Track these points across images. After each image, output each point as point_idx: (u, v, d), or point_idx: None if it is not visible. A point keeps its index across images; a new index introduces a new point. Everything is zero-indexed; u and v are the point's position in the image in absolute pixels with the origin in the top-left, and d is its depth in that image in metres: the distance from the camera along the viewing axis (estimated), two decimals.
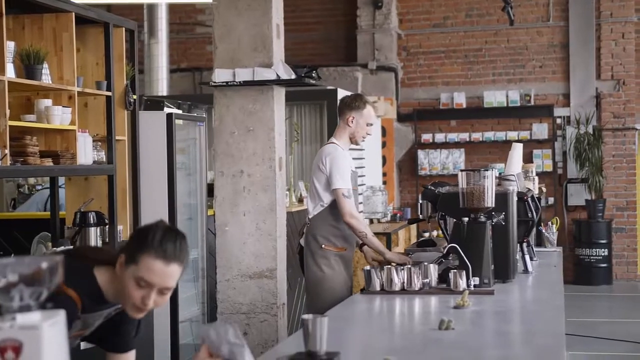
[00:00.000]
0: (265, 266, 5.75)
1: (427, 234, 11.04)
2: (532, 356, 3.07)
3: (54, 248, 5.43)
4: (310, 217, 5.46)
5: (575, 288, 12.45)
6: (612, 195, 13.11)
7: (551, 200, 13.09)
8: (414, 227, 11.59)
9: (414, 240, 10.57)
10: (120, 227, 6.05)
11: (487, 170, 4.54)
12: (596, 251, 12.73)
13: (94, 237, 5.65)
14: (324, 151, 5.44)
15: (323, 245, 5.36)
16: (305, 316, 2.79)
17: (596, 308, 11.38)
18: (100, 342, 3.04)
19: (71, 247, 5.30)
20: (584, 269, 12.82)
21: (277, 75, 5.66)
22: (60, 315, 1.82)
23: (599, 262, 12.76)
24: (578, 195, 13.10)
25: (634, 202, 13.16)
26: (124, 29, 6.17)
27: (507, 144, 10.05)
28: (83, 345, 4.66)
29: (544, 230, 6.57)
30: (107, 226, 5.84)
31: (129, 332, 3.02)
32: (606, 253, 12.76)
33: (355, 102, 5.49)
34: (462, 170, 4.57)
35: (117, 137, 5.99)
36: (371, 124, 5.54)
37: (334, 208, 5.32)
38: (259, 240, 5.76)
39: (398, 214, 11.25)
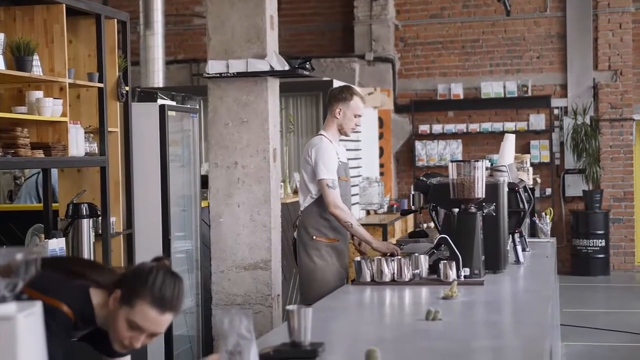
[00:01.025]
0: (259, 257, 5.76)
1: (424, 225, 11.04)
2: (516, 346, 3.08)
3: (46, 239, 5.43)
4: (301, 209, 5.50)
5: (573, 279, 12.46)
6: (609, 186, 13.10)
7: (548, 191, 13.09)
8: (410, 218, 11.60)
9: (410, 231, 10.57)
10: (113, 219, 6.04)
11: (478, 161, 4.53)
12: (593, 242, 12.74)
13: (87, 228, 5.64)
14: (310, 143, 5.49)
15: (314, 237, 5.40)
16: (290, 307, 2.80)
17: (593, 299, 11.39)
18: (96, 345, 3.01)
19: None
20: (581, 260, 12.82)
21: (271, 66, 5.66)
22: (36, 307, 1.83)
23: (597, 253, 12.76)
24: (575, 186, 13.10)
25: (631, 193, 13.16)
26: (115, 20, 6.16)
27: (505, 135, 10.08)
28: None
29: (537, 221, 6.56)
30: (99, 218, 5.84)
31: None
32: (603, 244, 12.77)
33: (342, 93, 5.51)
34: (452, 161, 4.57)
35: (109, 129, 5.98)
36: (359, 115, 5.53)
37: (323, 200, 5.35)
38: (254, 231, 5.76)
39: (395, 205, 11.25)
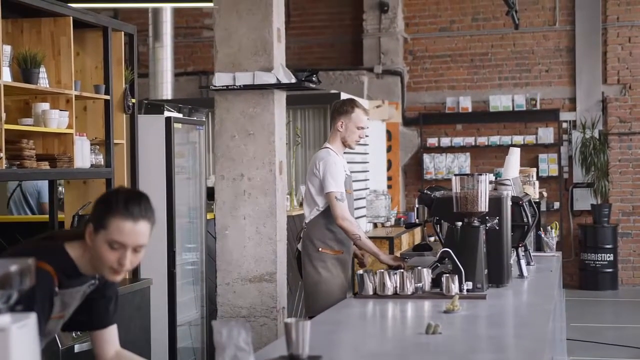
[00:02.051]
0: (265, 270, 5.76)
1: (432, 239, 11.02)
2: None
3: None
4: (306, 221, 5.54)
5: (581, 293, 12.42)
6: (618, 200, 13.07)
7: (557, 204, 13.07)
8: (418, 231, 11.58)
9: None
10: None
11: (481, 174, 4.53)
12: (602, 256, 12.70)
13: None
14: (317, 156, 5.53)
15: (320, 249, 5.43)
16: (288, 320, 2.80)
17: (601, 313, 11.34)
18: (81, 326, 3.11)
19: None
20: (589, 274, 12.78)
21: (278, 79, 5.68)
22: (30, 318, 1.84)
23: (605, 267, 12.72)
24: (584, 200, 13.06)
25: (639, 207, 13.11)
26: (123, 33, 6.19)
27: (510, 148, 10.06)
28: (77, 348, 4.71)
29: (543, 235, 6.55)
30: None
31: (107, 308, 3.07)
32: (612, 258, 12.72)
33: (344, 106, 5.57)
34: (456, 175, 4.57)
35: (115, 141, 6.01)
36: (362, 127, 5.58)
37: (329, 212, 5.38)
38: (259, 244, 5.77)
39: (402, 218, 11.24)
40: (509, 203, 4.81)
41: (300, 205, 8.71)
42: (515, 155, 5.94)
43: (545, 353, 3.09)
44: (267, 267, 5.76)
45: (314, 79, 5.93)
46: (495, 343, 3.39)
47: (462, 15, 13.59)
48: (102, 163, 5.87)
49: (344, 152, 5.69)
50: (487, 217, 4.59)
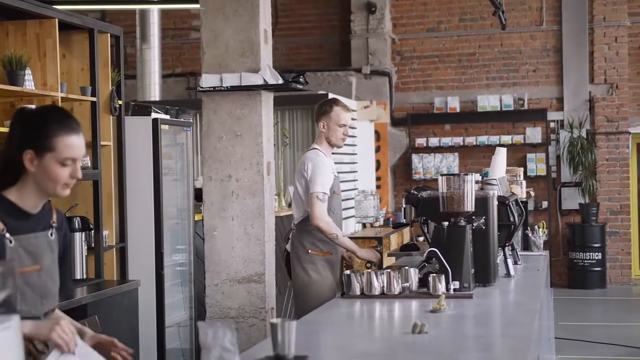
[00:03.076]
0: (253, 271, 5.76)
1: (421, 239, 11.03)
2: (501, 359, 3.08)
3: None
4: (295, 222, 5.54)
5: (569, 292, 12.46)
6: (605, 199, 13.11)
7: (545, 204, 13.10)
8: (407, 231, 11.59)
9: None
10: (105, 232, 6.06)
11: (467, 174, 4.54)
12: (590, 255, 12.74)
13: (79, 242, 5.65)
14: (306, 157, 5.58)
15: (309, 251, 5.45)
16: (273, 320, 2.81)
17: (590, 312, 11.38)
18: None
19: None
20: (577, 273, 12.82)
21: (265, 80, 5.68)
22: (14, 321, 1.84)
23: (593, 266, 12.76)
24: (572, 199, 13.11)
25: (627, 206, 13.16)
26: (109, 34, 6.18)
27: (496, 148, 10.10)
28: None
29: (530, 235, 6.57)
30: (92, 231, 5.85)
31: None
32: (600, 257, 12.77)
33: (323, 107, 5.65)
34: (442, 175, 4.58)
35: (102, 143, 6.00)
36: (344, 125, 5.62)
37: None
38: (248, 244, 5.77)
39: (391, 219, 11.24)
40: (495, 203, 4.83)
41: (289, 206, 8.72)
42: (501, 155, 5.97)
43: (531, 352, 3.11)
44: (256, 267, 5.76)
45: (301, 79, 5.93)
46: (481, 342, 3.40)
47: (450, 16, 13.62)
48: (89, 165, 5.86)
49: (332, 153, 5.70)
50: (473, 217, 4.60)
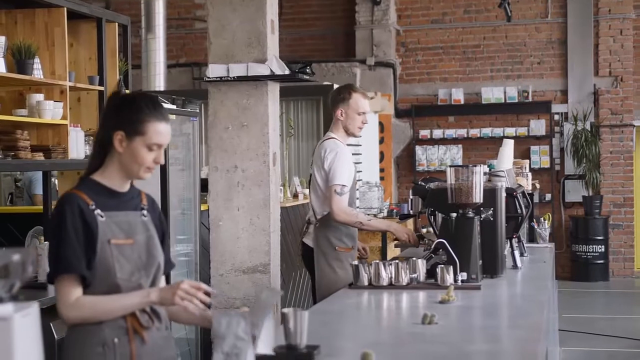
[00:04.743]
0: (259, 261, 5.75)
1: (424, 230, 11.04)
2: (511, 350, 3.09)
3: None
4: (318, 217, 5.35)
5: (572, 284, 12.48)
6: (609, 191, 13.12)
7: (548, 196, 13.11)
8: (411, 222, 11.60)
9: None
10: None
11: (476, 166, 4.54)
12: (593, 247, 12.75)
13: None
14: (326, 148, 5.37)
15: (337, 247, 5.29)
16: (286, 310, 2.81)
17: (593, 304, 11.40)
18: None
19: None
20: (580, 266, 12.84)
21: (271, 70, 5.66)
22: (33, 307, 1.84)
23: (596, 259, 12.77)
24: (575, 192, 13.11)
25: (631, 199, 13.17)
26: (117, 24, 6.19)
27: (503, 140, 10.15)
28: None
29: (536, 227, 6.57)
30: None
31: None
32: (603, 249, 12.78)
33: (340, 94, 5.45)
34: (450, 166, 4.58)
35: None
36: (363, 113, 5.43)
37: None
38: (253, 235, 5.76)
39: (395, 210, 11.25)
40: (504, 194, 4.83)
41: (294, 196, 8.72)
42: (508, 146, 5.97)
43: (541, 343, 3.11)
44: (261, 258, 5.76)
45: (307, 70, 5.91)
46: (491, 333, 3.40)
47: (454, 7, 13.60)
48: None
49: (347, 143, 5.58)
50: (481, 208, 4.61)
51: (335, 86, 10.48)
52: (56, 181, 6.45)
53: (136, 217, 3.06)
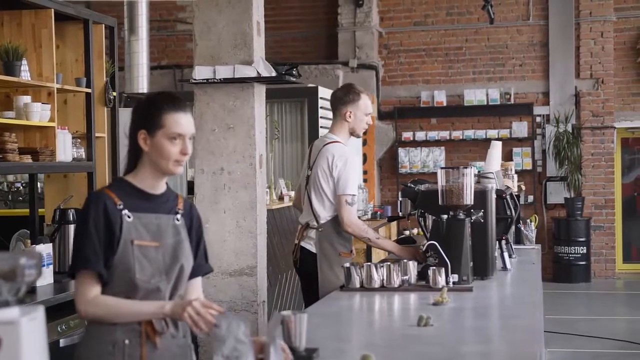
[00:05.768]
0: (245, 264, 5.75)
1: (407, 232, 11.07)
2: (509, 352, 3.10)
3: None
4: (321, 222, 5.16)
5: (554, 285, 12.53)
6: (590, 193, 13.19)
7: (530, 198, 13.17)
8: (394, 224, 11.63)
9: (394, 237, 10.59)
10: None
11: (466, 168, 4.55)
12: (575, 249, 12.82)
13: (73, 234, 5.61)
14: (334, 153, 5.14)
15: (341, 253, 5.16)
16: (285, 313, 2.80)
17: (575, 305, 11.45)
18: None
19: None
20: (562, 267, 12.90)
21: (258, 72, 5.66)
22: (39, 311, 1.83)
23: (578, 260, 12.84)
24: (557, 194, 13.18)
25: (612, 200, 13.25)
26: (103, 25, 6.15)
27: (487, 142, 10.23)
28: (63, 342, 4.67)
29: (522, 228, 6.59)
30: None
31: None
32: (585, 251, 12.85)
33: (349, 95, 5.20)
34: (441, 168, 4.59)
35: (96, 134, 5.97)
36: (369, 113, 5.27)
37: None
38: (240, 237, 5.76)
39: (379, 212, 11.28)
40: (494, 196, 4.85)
41: (280, 199, 8.69)
42: (496, 148, 5.98)
43: (536, 344, 3.12)
44: (248, 260, 5.75)
45: (294, 72, 5.91)
46: (487, 335, 3.42)
47: (437, 10, 13.64)
48: (84, 157, 5.83)
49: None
50: (472, 210, 4.61)
51: (320, 88, 10.52)
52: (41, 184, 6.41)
53: (168, 220, 3.06)
